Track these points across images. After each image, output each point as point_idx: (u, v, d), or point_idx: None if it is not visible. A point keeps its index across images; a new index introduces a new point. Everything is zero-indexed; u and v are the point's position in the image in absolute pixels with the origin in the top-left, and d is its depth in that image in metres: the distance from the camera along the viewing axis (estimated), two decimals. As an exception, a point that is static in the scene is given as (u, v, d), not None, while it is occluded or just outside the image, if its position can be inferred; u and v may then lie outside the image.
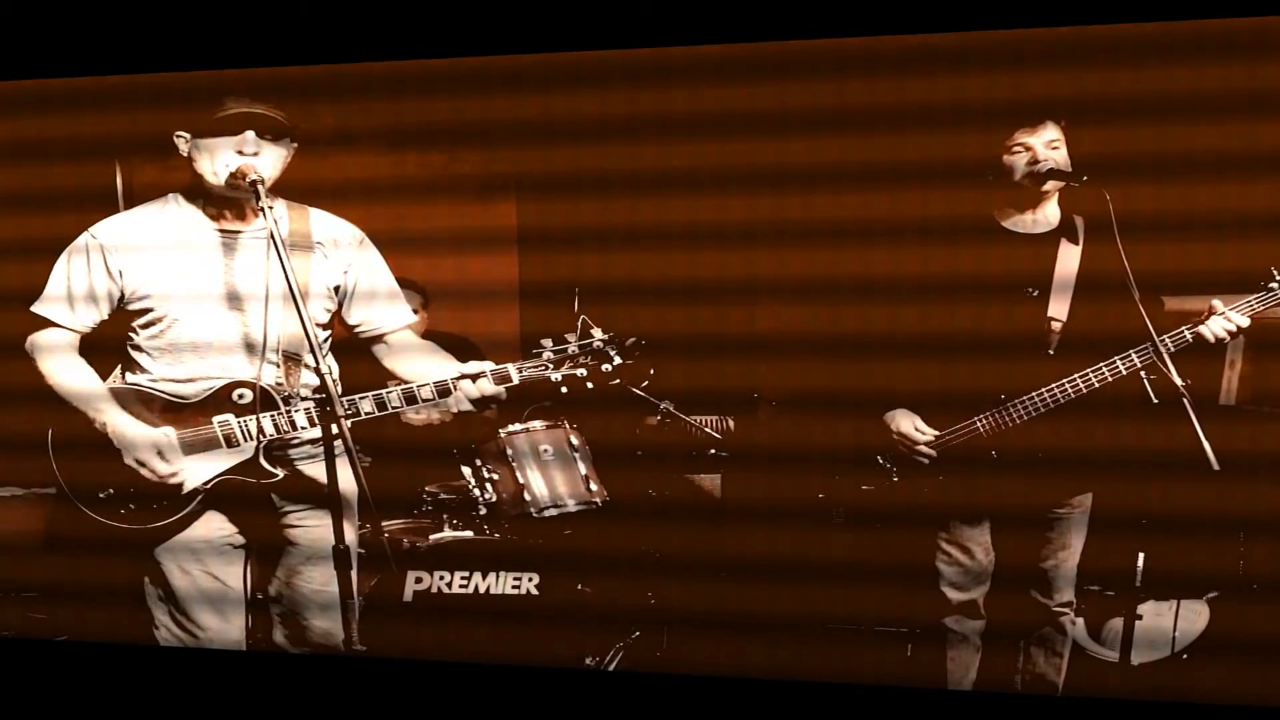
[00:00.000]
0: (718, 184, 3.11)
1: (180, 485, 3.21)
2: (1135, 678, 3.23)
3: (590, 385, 3.03)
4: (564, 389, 3.06)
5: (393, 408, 3.12)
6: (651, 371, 3.03)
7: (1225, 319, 2.99)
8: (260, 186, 3.04)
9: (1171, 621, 3.26)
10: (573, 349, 3.06)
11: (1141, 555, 3.17)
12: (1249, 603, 3.09)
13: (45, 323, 3.22)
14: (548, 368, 3.06)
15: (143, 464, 3.18)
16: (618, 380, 3.02)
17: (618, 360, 3.05)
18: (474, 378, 3.09)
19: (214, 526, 3.27)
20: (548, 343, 3.08)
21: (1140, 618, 3.26)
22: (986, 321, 3.08)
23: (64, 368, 3.22)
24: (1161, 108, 2.92)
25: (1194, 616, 3.27)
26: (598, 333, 3.06)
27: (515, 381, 3.07)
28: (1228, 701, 3.06)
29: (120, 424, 3.19)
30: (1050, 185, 3.06)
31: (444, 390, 3.09)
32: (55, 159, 3.38)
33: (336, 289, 3.21)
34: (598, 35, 2.96)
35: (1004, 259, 3.09)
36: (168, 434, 3.18)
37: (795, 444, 3.21)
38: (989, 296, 3.07)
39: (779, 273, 3.17)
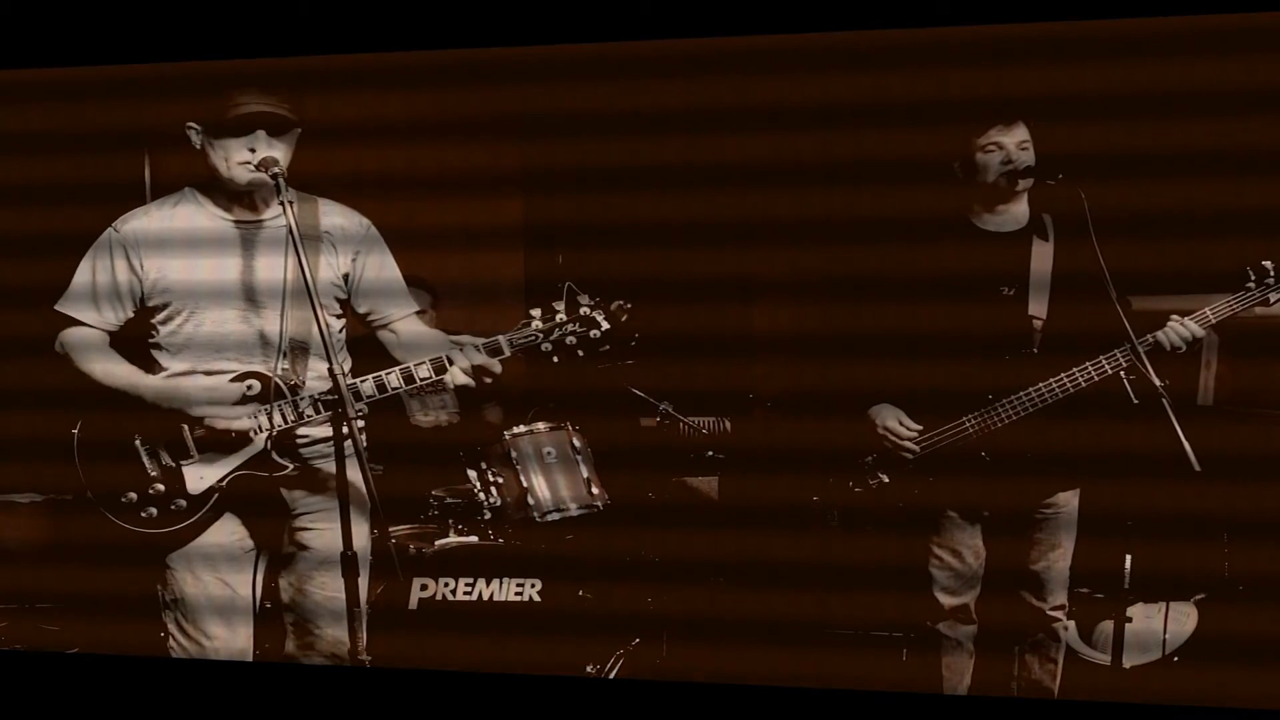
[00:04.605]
0: (699, 181, 3.20)
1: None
2: (1127, 680, 3.26)
3: (581, 353, 3.06)
4: (555, 359, 3.08)
5: (392, 389, 3.11)
6: (636, 335, 3.08)
7: (1181, 325, 3.05)
8: (282, 180, 3.05)
9: (1161, 624, 3.30)
10: (560, 316, 3.08)
11: (1129, 557, 3.20)
12: (1236, 604, 3.12)
13: (73, 321, 3.22)
14: (538, 337, 3.08)
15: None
16: (607, 346, 3.05)
17: (605, 326, 3.07)
18: (464, 348, 3.10)
19: (227, 530, 3.24)
20: (536, 313, 3.09)
21: (1130, 620, 3.31)
22: (963, 321, 3.11)
23: (101, 362, 3.23)
24: (1129, 105, 2.99)
25: (1183, 618, 3.31)
26: (584, 299, 3.09)
27: (507, 353, 3.08)
28: (1223, 704, 3.05)
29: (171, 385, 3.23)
30: (1022, 184, 3.10)
31: (440, 366, 3.09)
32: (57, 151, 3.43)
33: (345, 277, 3.22)
34: (597, 31, 3.07)
35: (977, 257, 3.14)
36: None
37: (775, 447, 3.29)
38: (963, 295, 3.11)
39: (755, 271, 3.29)
